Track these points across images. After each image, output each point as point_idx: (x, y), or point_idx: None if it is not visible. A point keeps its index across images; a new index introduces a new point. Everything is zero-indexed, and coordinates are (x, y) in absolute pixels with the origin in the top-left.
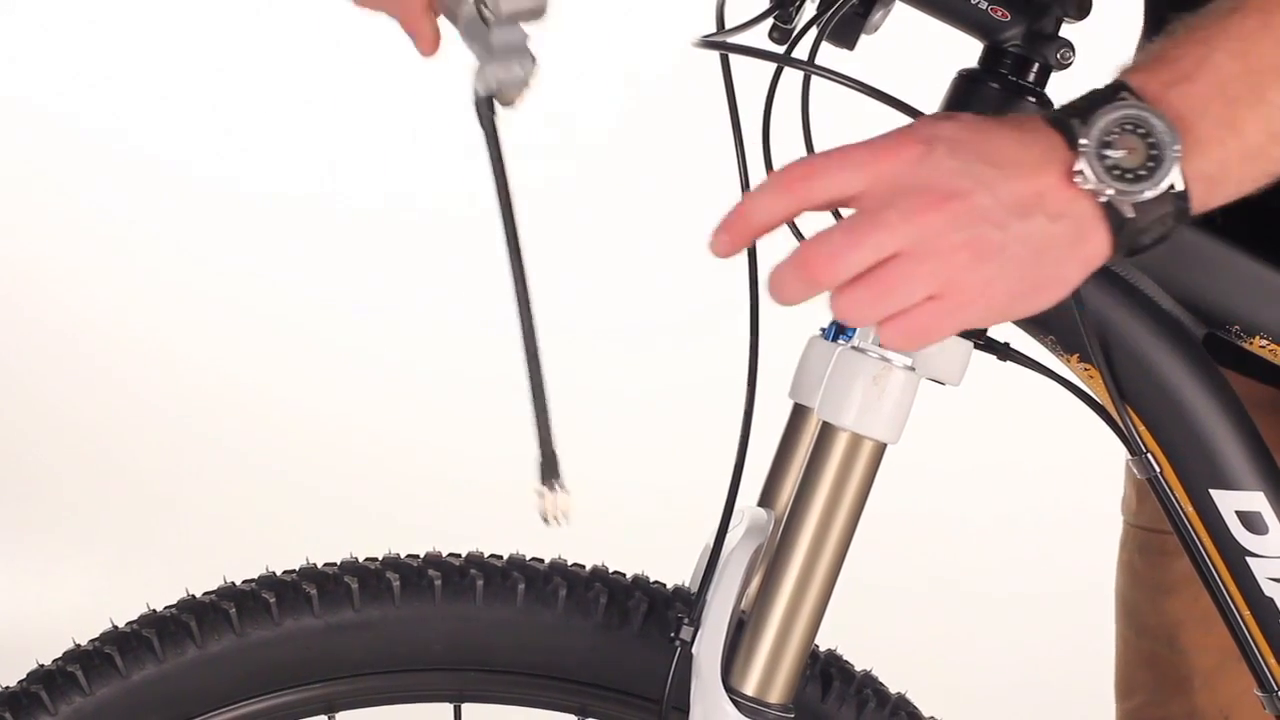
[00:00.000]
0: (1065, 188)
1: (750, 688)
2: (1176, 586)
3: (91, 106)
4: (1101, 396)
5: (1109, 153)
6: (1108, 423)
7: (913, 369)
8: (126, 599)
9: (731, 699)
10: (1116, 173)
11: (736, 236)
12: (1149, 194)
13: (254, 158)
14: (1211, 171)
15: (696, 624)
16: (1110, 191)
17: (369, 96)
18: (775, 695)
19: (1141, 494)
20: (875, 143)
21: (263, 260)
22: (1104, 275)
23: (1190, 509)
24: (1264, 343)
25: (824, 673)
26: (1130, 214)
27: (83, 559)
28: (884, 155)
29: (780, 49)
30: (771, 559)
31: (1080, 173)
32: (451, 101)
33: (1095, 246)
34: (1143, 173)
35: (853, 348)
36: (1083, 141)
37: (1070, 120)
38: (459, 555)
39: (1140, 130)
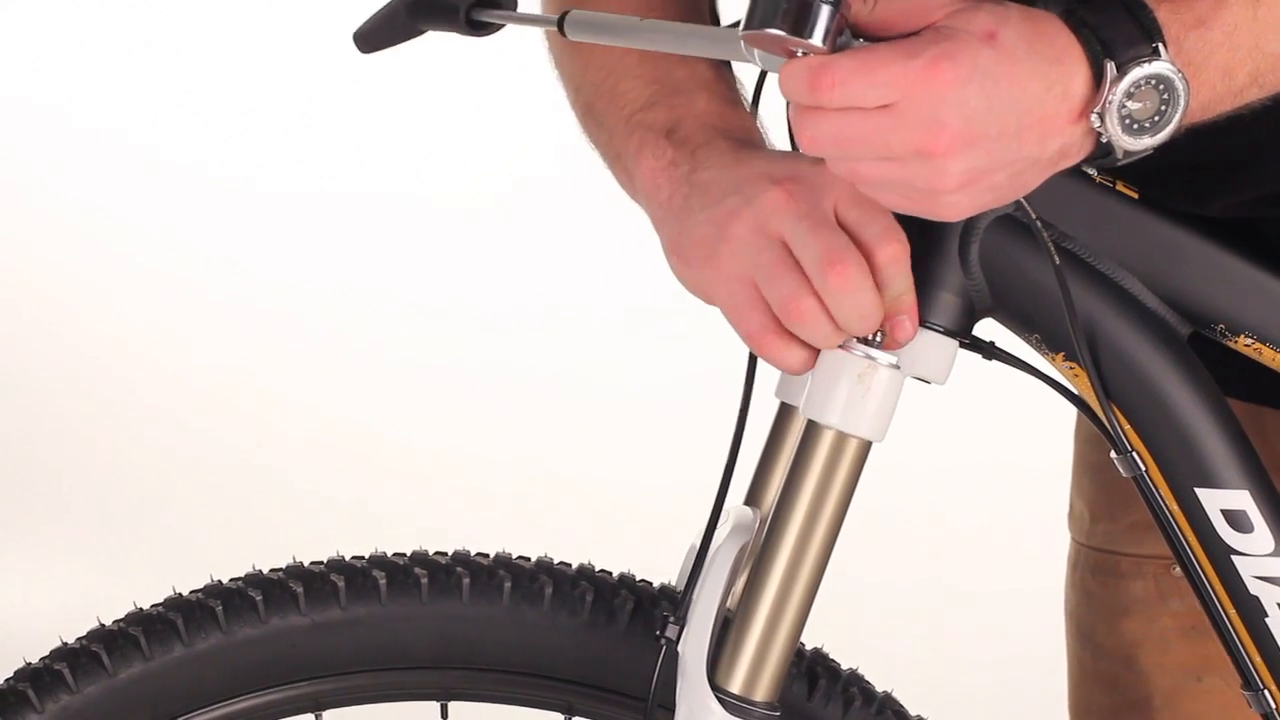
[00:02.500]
0: (1071, 121)
1: (736, 686)
2: (1133, 608)
3: (87, 104)
4: (1087, 395)
5: (1128, 104)
6: (1093, 421)
7: (897, 367)
8: (114, 597)
9: (717, 697)
10: (1127, 122)
11: (780, 76)
12: (1145, 144)
13: (249, 154)
14: (1194, 110)
15: (682, 622)
16: (1116, 139)
17: (367, 95)
18: (761, 693)
19: (1095, 513)
20: (909, 66)
21: (254, 257)
22: (1090, 275)
23: (1175, 507)
24: (1248, 341)
25: (810, 671)
26: (1120, 157)
27: (70, 557)
28: (917, 83)
29: None
30: (757, 557)
31: (1098, 116)
32: (449, 101)
33: (1068, 164)
34: (1148, 125)
35: (838, 347)
36: (1111, 97)
37: (1105, 61)
38: (445, 553)
39: (1160, 87)
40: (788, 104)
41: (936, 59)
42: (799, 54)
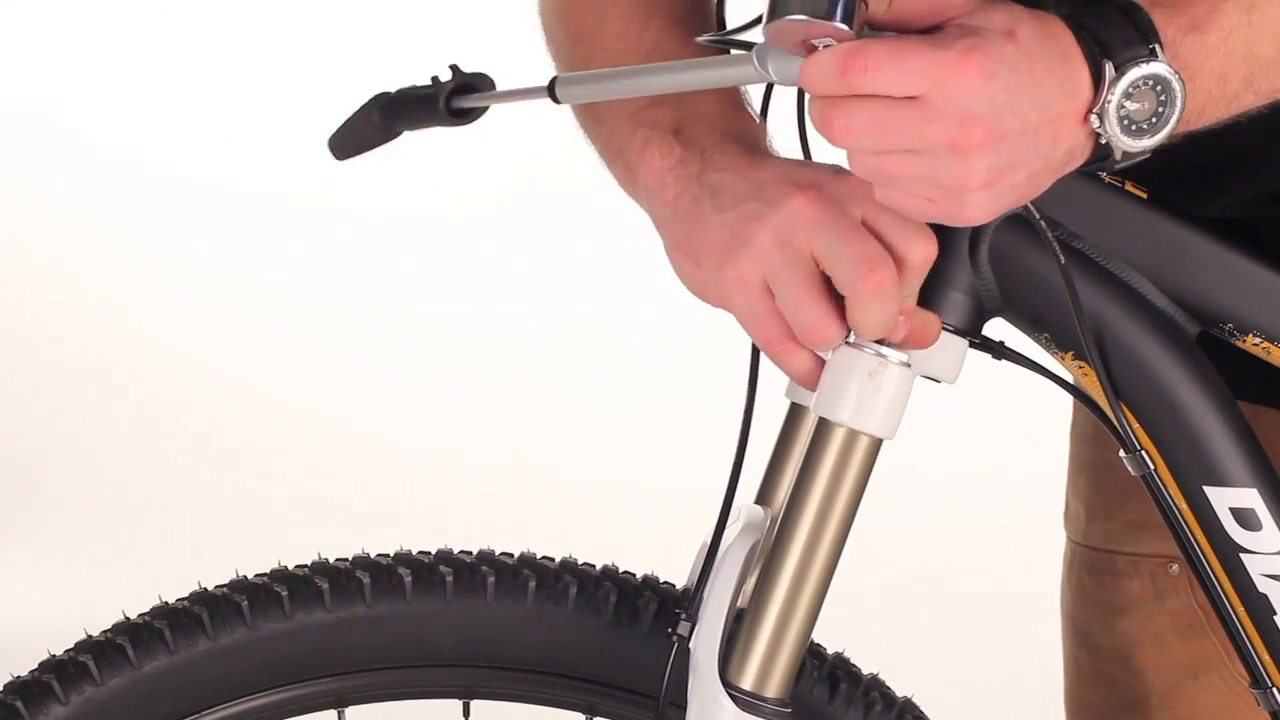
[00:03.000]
0: (1078, 122)
1: (747, 682)
2: (1129, 606)
3: (78, 105)
4: (1096, 394)
5: (1126, 104)
6: (1102, 420)
7: (908, 365)
8: (137, 592)
9: (729, 693)
10: (1126, 123)
11: (801, 75)
12: (1143, 145)
13: (245, 157)
14: (1189, 115)
15: (694, 619)
16: (1115, 140)
17: (359, 97)
18: (772, 689)
19: (1091, 513)
20: (940, 55)
21: (247, 259)
22: (1099, 274)
23: (1184, 506)
24: (1257, 340)
25: (831, 675)
26: (1119, 158)
27: (91, 552)
28: (949, 74)
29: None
30: (768, 554)
31: (1097, 117)
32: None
33: (1073, 166)
34: (1145, 127)
35: (848, 344)
36: (1110, 97)
37: (1103, 62)
38: (470, 552)
39: (1157, 88)
40: (801, 113)
41: (967, 51)
42: (821, 46)
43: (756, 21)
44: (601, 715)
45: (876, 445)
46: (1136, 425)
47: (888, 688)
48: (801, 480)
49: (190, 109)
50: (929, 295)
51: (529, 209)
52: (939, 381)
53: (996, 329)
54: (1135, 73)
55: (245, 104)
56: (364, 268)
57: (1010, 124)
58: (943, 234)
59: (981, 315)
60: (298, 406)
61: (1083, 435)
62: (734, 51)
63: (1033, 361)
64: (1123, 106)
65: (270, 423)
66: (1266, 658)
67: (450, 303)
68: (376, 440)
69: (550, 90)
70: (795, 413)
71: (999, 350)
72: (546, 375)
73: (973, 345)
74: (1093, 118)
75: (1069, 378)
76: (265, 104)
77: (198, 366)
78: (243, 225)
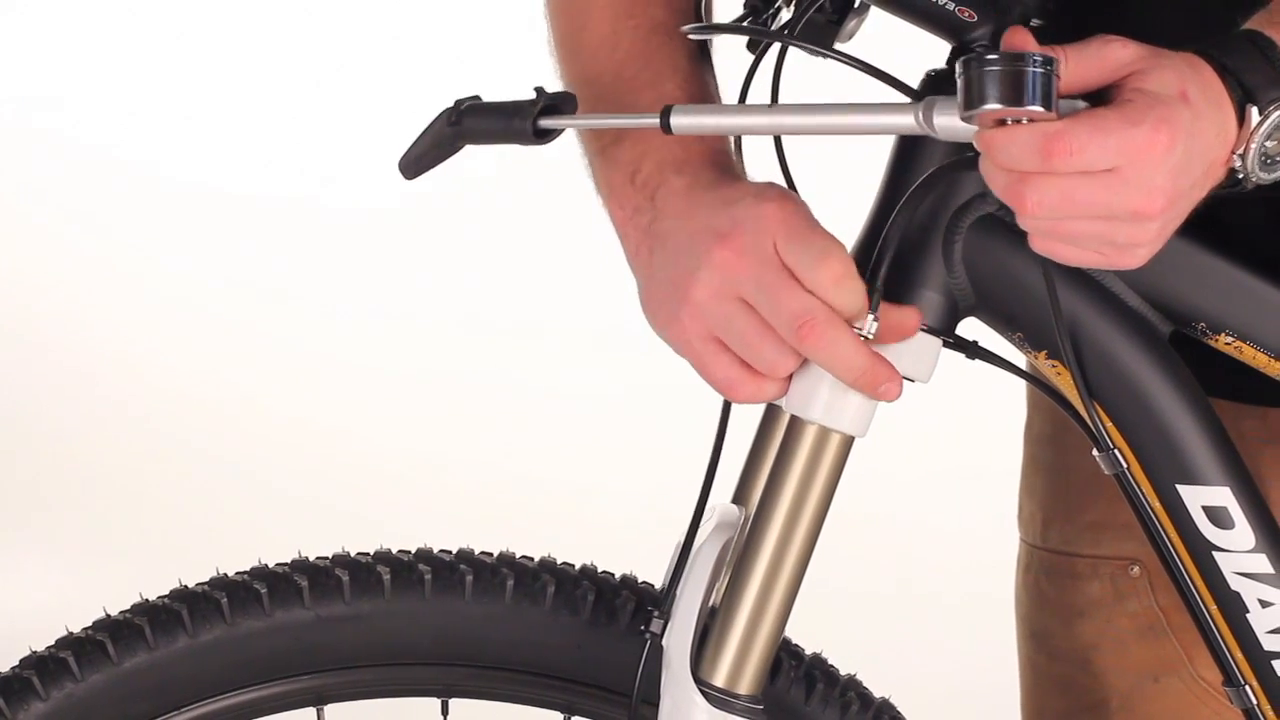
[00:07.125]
0: (1224, 163)
1: (719, 679)
2: (1088, 609)
3: (65, 106)
4: (1070, 393)
5: (1267, 143)
6: (1075, 419)
7: None
8: (118, 589)
9: (701, 690)
10: (1264, 159)
11: (988, 144)
12: (1274, 177)
13: (233, 159)
14: None
15: (667, 617)
16: (1252, 174)
17: (350, 100)
18: (744, 686)
19: (1049, 515)
20: (1137, 134)
21: (241, 263)
22: (1072, 273)
23: (1157, 504)
24: (1229, 340)
25: (808, 675)
26: (1249, 188)
27: (72, 550)
28: (1144, 150)
29: (762, 44)
30: (741, 552)
31: (1239, 157)
32: (428, 102)
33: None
34: (1278, 159)
35: None
36: (1255, 143)
37: (1248, 107)
38: (449, 551)
39: None
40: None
41: (1157, 125)
42: (1009, 121)
43: (745, 17)
44: (579, 714)
45: (848, 443)
46: (1109, 424)
47: (865, 688)
48: (773, 478)
49: (172, 111)
50: (903, 295)
51: (509, 213)
52: (913, 381)
53: (970, 329)
54: (1277, 115)
55: (229, 106)
56: (346, 271)
57: (1183, 184)
58: (917, 234)
59: (955, 315)
60: (279, 406)
61: (1039, 436)
62: (897, 99)
63: (1006, 361)
64: (1263, 146)
65: (251, 422)
66: (1239, 655)
67: (430, 305)
68: (357, 440)
69: (664, 120)
70: (772, 413)
71: (973, 350)
72: (527, 376)
73: (946, 345)
74: (1234, 158)
75: (1043, 377)
76: (253, 106)
77: (180, 367)
78: (227, 228)
